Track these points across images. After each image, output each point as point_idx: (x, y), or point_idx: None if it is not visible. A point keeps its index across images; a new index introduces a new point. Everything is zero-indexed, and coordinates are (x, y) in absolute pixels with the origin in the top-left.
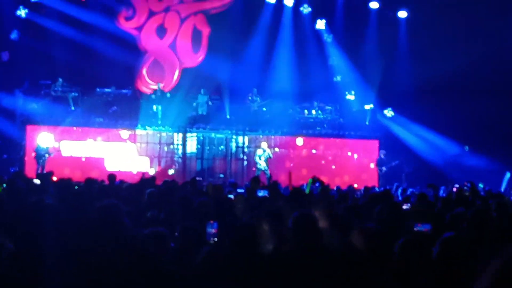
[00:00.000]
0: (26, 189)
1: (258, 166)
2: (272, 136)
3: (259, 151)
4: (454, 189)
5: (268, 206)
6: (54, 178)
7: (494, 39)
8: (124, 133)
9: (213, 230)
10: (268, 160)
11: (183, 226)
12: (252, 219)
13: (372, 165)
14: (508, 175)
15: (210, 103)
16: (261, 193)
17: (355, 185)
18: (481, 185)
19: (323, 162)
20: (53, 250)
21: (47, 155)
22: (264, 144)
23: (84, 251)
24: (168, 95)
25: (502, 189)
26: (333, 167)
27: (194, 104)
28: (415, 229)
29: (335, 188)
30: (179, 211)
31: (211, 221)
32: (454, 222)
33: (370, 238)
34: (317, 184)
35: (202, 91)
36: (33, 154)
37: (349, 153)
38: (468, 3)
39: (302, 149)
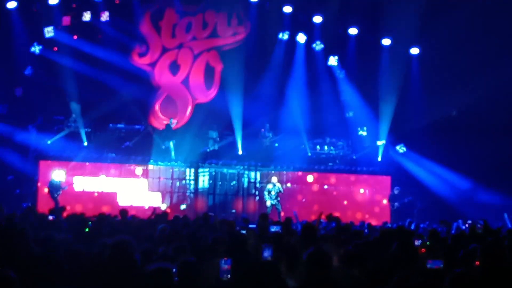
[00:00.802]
0: (37, 225)
1: (267, 203)
2: (284, 172)
3: (269, 186)
4: (466, 225)
5: (281, 242)
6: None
7: (506, 75)
8: (138, 170)
9: (227, 267)
10: (279, 195)
11: (182, 262)
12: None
13: (385, 201)
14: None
15: (218, 139)
16: (273, 229)
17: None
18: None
19: (327, 196)
20: (62, 284)
21: (60, 190)
22: (274, 179)
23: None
24: (178, 133)
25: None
26: (345, 202)
27: (209, 138)
28: (428, 266)
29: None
30: (188, 247)
31: (225, 258)
32: (466, 259)
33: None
34: (333, 224)
35: (214, 127)
36: (46, 190)
37: (362, 190)
38: (480, 39)
39: (313, 184)
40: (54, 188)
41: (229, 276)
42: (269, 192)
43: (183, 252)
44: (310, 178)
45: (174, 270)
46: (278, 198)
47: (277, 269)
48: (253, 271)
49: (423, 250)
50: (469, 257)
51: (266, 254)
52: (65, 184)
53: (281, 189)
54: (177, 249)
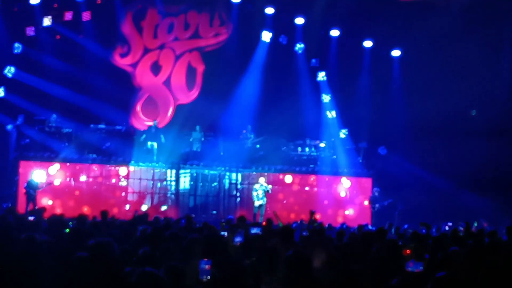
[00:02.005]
0: (17, 225)
1: (255, 203)
2: (266, 173)
3: (256, 186)
4: (447, 227)
5: (261, 244)
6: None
7: (486, 79)
8: (123, 170)
9: (206, 267)
10: (266, 194)
11: (168, 265)
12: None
13: (366, 202)
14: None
15: (202, 139)
16: (253, 230)
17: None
18: (475, 224)
19: (308, 198)
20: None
21: (36, 191)
22: (261, 179)
23: None
24: (162, 136)
25: None
26: (326, 203)
27: (191, 140)
28: (408, 269)
29: (326, 226)
30: (171, 248)
31: (205, 259)
32: (447, 261)
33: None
34: (317, 226)
35: (197, 128)
36: (24, 190)
37: (343, 191)
38: (461, 43)
39: (294, 186)
40: (32, 188)
41: (208, 277)
42: (256, 191)
43: (170, 253)
44: (289, 179)
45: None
46: (265, 199)
47: (256, 271)
48: (232, 273)
49: (407, 251)
50: (449, 259)
51: (238, 239)
52: (42, 185)
53: (268, 189)
54: (163, 250)
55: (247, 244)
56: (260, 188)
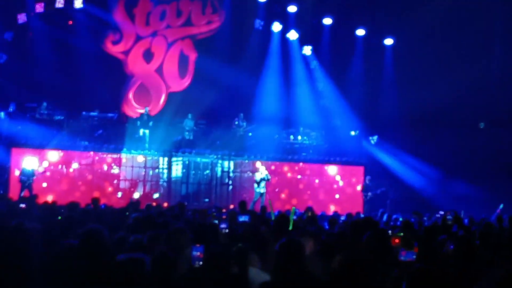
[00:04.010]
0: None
1: (256, 189)
2: (258, 161)
3: (256, 174)
4: (438, 216)
5: (249, 232)
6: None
7: (479, 69)
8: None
9: (198, 254)
10: (266, 183)
11: (159, 252)
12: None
13: (359, 187)
14: (501, 206)
15: (195, 127)
16: (242, 218)
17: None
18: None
19: (301, 186)
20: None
21: (32, 178)
22: (262, 168)
23: (64, 276)
24: (151, 122)
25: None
26: (318, 191)
27: (185, 127)
28: (401, 258)
29: (319, 214)
30: (159, 235)
31: (197, 245)
32: (436, 250)
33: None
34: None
35: (189, 115)
36: (17, 174)
37: (335, 179)
38: (454, 32)
39: (286, 174)
40: (26, 176)
41: (201, 263)
42: (257, 180)
43: (157, 241)
44: (283, 167)
45: (147, 259)
46: (264, 187)
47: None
48: (223, 259)
49: (396, 240)
50: (438, 248)
51: (223, 225)
52: (37, 172)
53: (268, 177)
54: (151, 237)
55: (234, 231)
56: (260, 177)
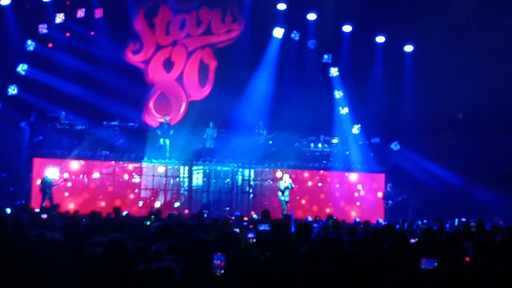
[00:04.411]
0: (30, 222)
1: (281, 198)
2: (278, 170)
3: (281, 183)
4: (459, 223)
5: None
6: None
7: (501, 74)
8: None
9: (219, 262)
10: (290, 191)
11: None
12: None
13: (380, 194)
14: None
15: (215, 135)
16: (262, 227)
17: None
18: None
19: (322, 196)
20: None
21: (51, 188)
22: (285, 176)
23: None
24: (172, 131)
25: None
26: (339, 197)
27: (205, 136)
28: (422, 266)
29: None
30: (184, 245)
31: (219, 253)
32: (459, 258)
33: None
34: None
35: (211, 124)
36: (39, 183)
37: (356, 187)
38: (474, 37)
39: (308, 181)
40: (47, 185)
41: (222, 271)
42: (281, 190)
43: (178, 250)
44: (304, 175)
45: (177, 269)
46: (288, 196)
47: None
48: (245, 268)
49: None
50: (461, 256)
51: (250, 235)
52: (57, 182)
53: (292, 185)
54: (171, 247)
55: (259, 240)
56: (284, 185)
